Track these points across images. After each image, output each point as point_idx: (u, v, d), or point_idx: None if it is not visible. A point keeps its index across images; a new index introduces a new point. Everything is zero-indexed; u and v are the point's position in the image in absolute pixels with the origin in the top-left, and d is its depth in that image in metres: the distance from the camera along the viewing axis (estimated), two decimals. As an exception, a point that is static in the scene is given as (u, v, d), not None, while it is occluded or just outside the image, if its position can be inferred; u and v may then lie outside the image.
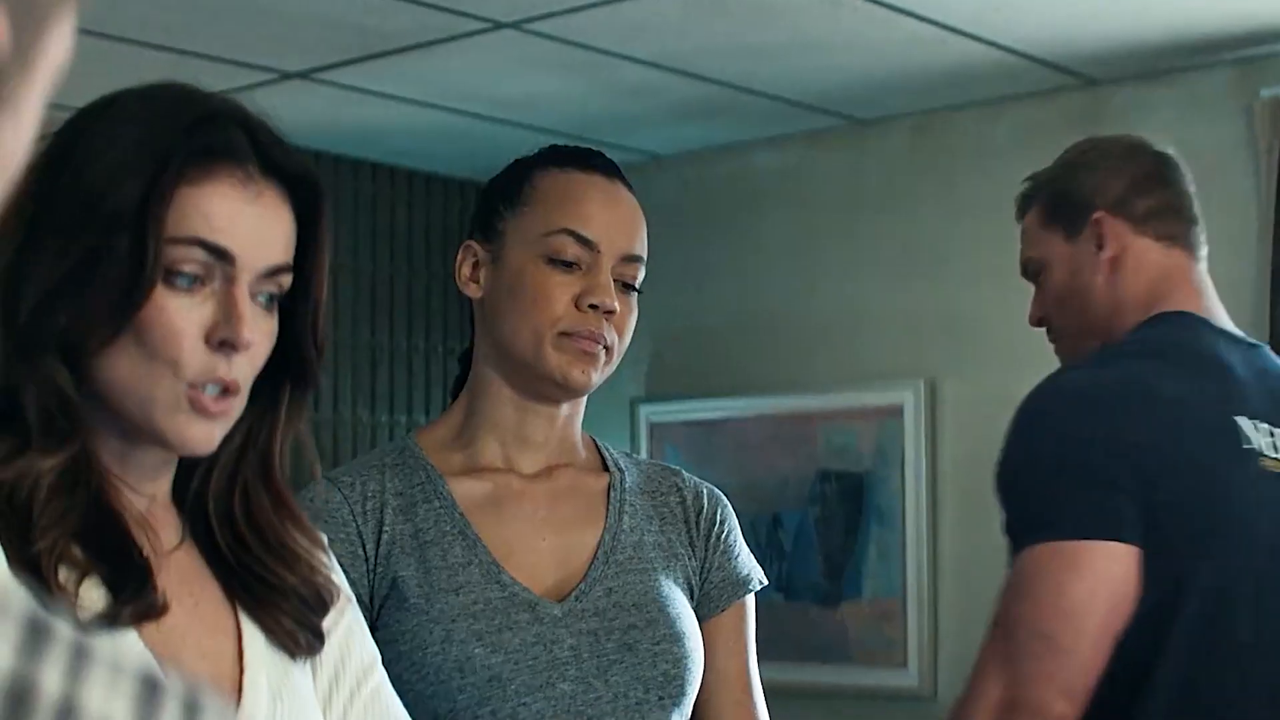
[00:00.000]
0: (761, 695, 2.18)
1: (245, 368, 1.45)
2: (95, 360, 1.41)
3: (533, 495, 2.10)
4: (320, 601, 1.55)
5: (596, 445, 2.22)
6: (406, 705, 1.93)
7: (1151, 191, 2.45)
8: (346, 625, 1.61)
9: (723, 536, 2.18)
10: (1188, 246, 2.45)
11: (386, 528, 2.03)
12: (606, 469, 2.18)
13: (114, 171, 1.39)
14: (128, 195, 1.38)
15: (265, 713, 1.47)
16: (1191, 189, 2.49)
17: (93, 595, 1.39)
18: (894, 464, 5.30)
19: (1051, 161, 2.59)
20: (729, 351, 5.75)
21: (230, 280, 1.42)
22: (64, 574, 1.37)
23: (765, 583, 2.23)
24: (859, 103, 5.26)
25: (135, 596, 1.40)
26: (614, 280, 2.05)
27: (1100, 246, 2.43)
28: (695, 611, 2.13)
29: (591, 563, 2.07)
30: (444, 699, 1.93)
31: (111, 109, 1.45)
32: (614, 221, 2.07)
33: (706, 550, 2.17)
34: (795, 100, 5.20)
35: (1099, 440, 2.23)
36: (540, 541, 2.07)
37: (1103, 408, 2.26)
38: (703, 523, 2.18)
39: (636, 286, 2.10)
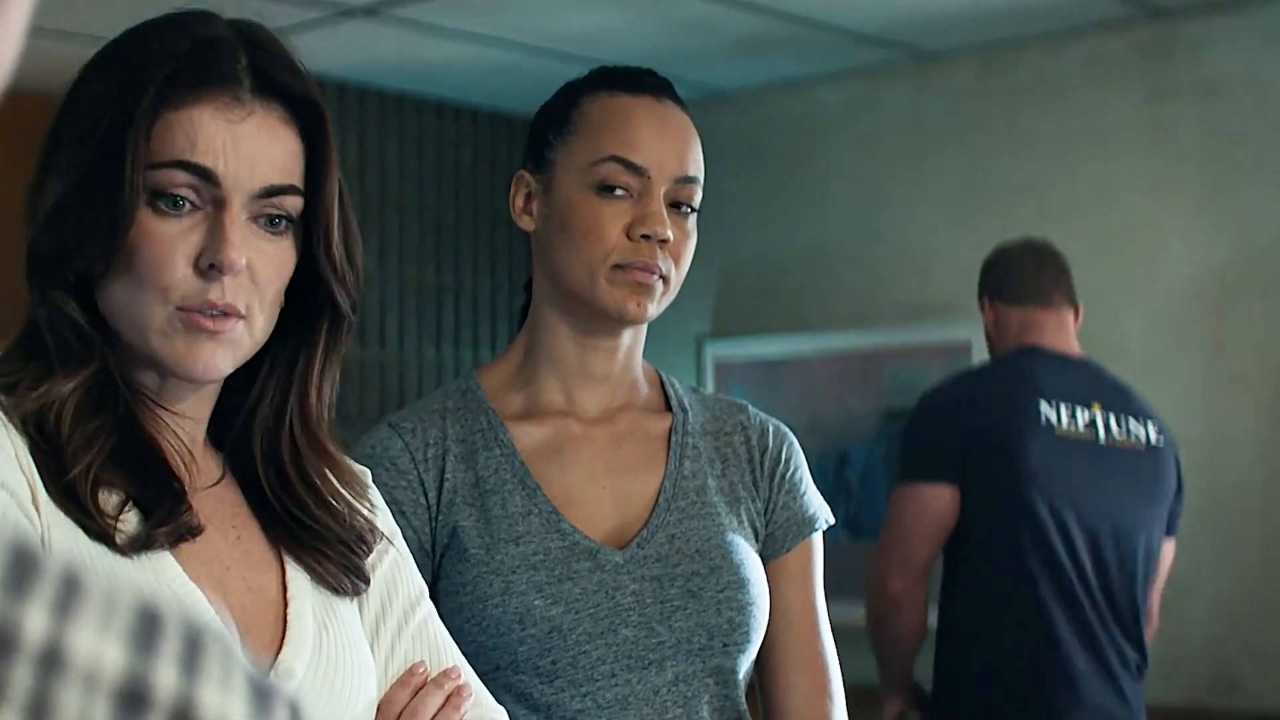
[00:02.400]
0: (829, 635, 2.14)
1: (245, 293, 1.43)
2: (100, 288, 1.43)
3: (593, 441, 2.07)
4: (362, 543, 1.56)
5: (662, 381, 2.18)
6: (467, 656, 1.93)
7: (1010, 272, 3.90)
8: (391, 560, 1.61)
9: (788, 475, 2.15)
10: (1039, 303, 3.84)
11: (448, 476, 2.01)
12: (669, 409, 2.14)
13: (104, 99, 1.40)
14: (113, 122, 1.39)
15: (311, 643, 1.47)
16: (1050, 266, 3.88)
17: (132, 520, 1.39)
18: (960, 401, 5.28)
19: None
20: (794, 288, 5.73)
21: (220, 204, 1.42)
22: (104, 499, 1.38)
23: (832, 522, 2.19)
24: (923, 36, 5.21)
25: (169, 518, 1.40)
26: (669, 204, 2.01)
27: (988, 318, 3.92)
28: (761, 551, 2.10)
29: (653, 509, 2.04)
30: (505, 651, 1.93)
31: (121, 40, 1.46)
32: (663, 144, 2.02)
33: (771, 489, 2.13)
34: (858, 34, 5.16)
35: (939, 423, 3.70)
36: (601, 489, 2.04)
37: (941, 398, 3.78)
38: (767, 461, 2.14)
39: (694, 207, 2.04)
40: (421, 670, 1.58)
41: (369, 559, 1.57)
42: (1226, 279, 4.85)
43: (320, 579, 1.51)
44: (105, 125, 1.39)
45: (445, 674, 1.59)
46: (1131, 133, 5.04)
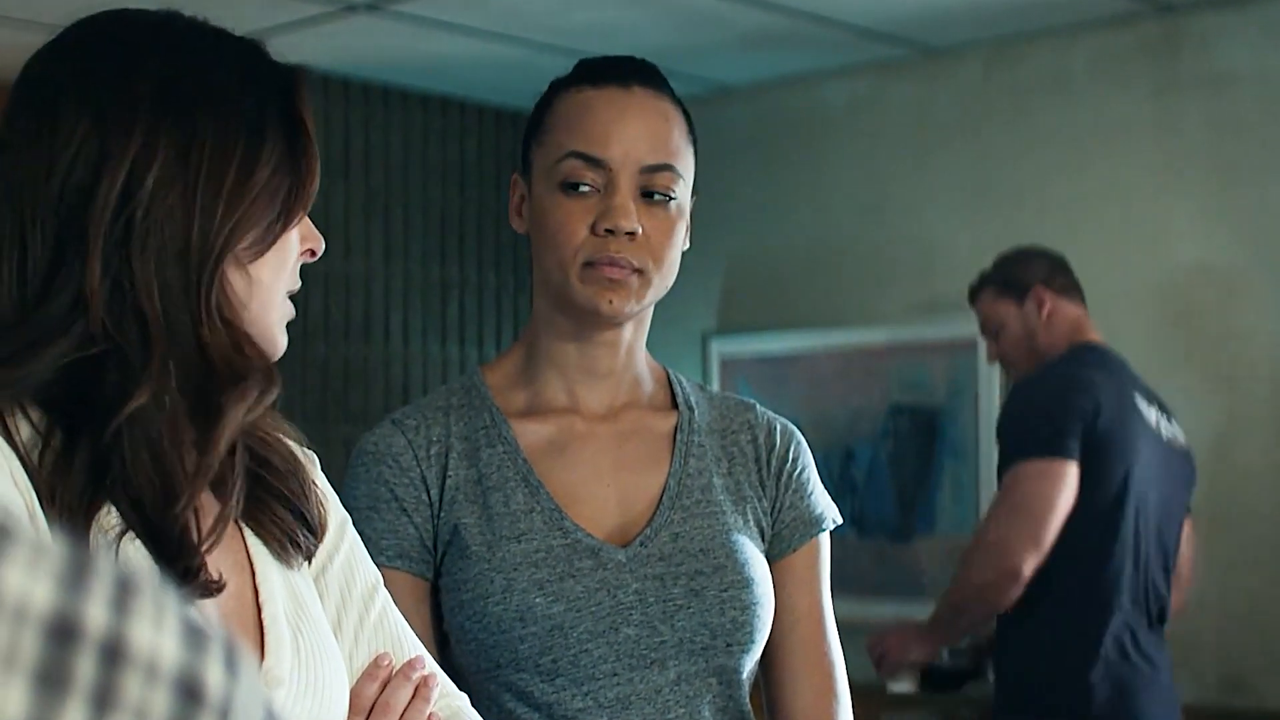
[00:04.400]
0: (835, 635, 2.12)
1: None
2: (230, 278, 1.41)
3: (596, 438, 2.05)
4: (307, 499, 1.53)
5: (669, 379, 2.15)
6: (469, 652, 1.93)
7: (1060, 270, 4.05)
8: (348, 548, 1.60)
9: (795, 474, 2.12)
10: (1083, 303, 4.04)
11: (450, 473, 1.99)
12: (675, 406, 2.11)
13: (251, 142, 1.40)
14: (274, 148, 1.41)
15: (290, 648, 1.45)
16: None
17: (137, 552, 1.36)
18: (967, 398, 5.26)
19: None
20: (800, 285, 5.72)
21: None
22: (105, 518, 1.34)
23: (839, 522, 2.16)
24: (930, 32, 5.20)
25: (184, 573, 1.37)
26: (643, 192, 1.97)
27: (1041, 305, 3.98)
28: (767, 551, 2.08)
29: (656, 507, 2.02)
30: (506, 648, 1.91)
31: (206, 46, 1.45)
32: (626, 133, 1.97)
33: (777, 489, 2.11)
34: (865, 29, 5.14)
35: (1058, 401, 3.76)
36: (604, 486, 2.02)
37: (1068, 382, 3.81)
38: (774, 461, 2.12)
39: (670, 195, 1.98)
40: (387, 662, 1.57)
41: (327, 542, 1.56)
42: (1235, 273, 4.83)
43: (276, 543, 1.49)
44: (270, 150, 1.41)
45: (410, 665, 1.58)
46: (1138, 128, 5.02)
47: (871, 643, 4.02)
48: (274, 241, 1.41)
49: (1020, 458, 3.74)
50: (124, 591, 0.56)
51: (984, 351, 5.21)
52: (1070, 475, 3.68)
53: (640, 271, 1.97)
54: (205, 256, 1.37)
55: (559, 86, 2.04)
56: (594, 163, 1.96)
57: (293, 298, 1.49)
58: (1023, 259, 4.08)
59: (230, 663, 0.59)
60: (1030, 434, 3.75)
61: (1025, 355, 4.01)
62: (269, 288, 1.43)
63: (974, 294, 4.16)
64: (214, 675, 0.57)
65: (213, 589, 1.38)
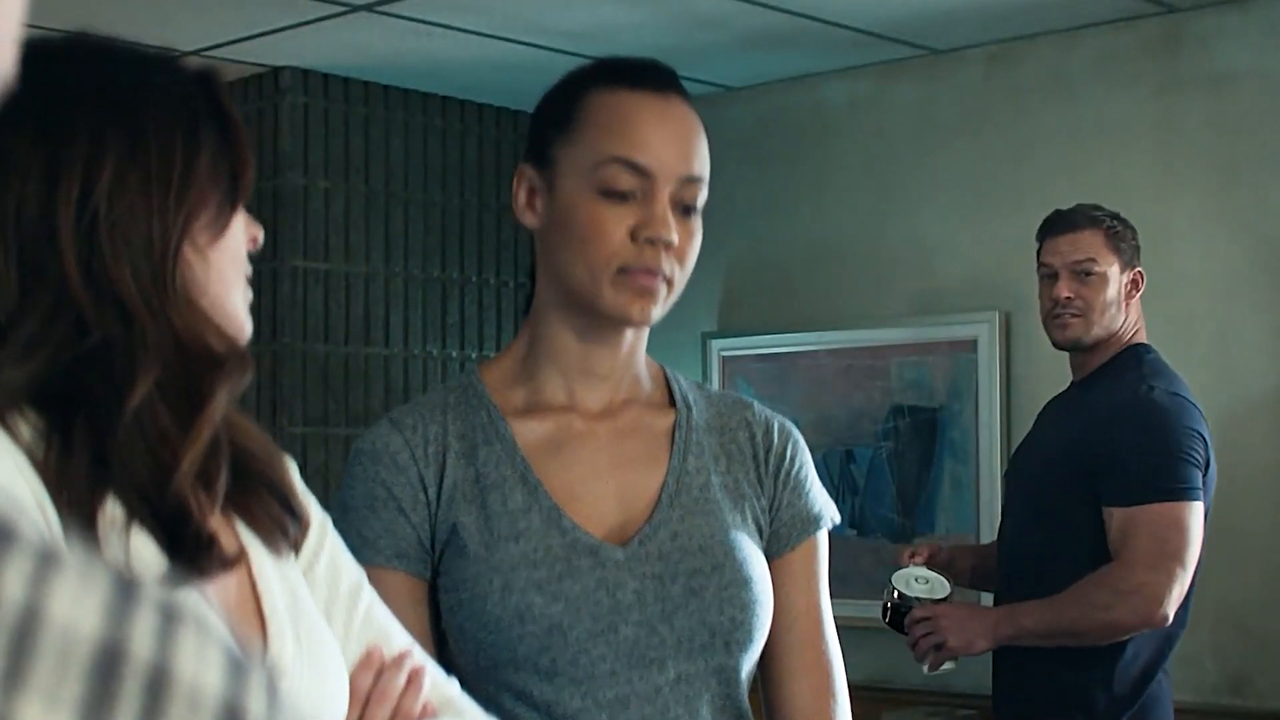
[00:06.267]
0: (834, 633, 2.12)
1: None
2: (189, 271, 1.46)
3: (595, 436, 2.04)
4: (291, 489, 1.56)
5: (666, 377, 2.14)
6: (467, 652, 1.93)
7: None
8: (331, 546, 1.62)
9: (793, 473, 2.12)
10: None
11: (448, 472, 1.99)
12: (673, 405, 2.11)
13: (189, 133, 1.46)
14: (210, 139, 1.46)
15: (291, 638, 1.47)
16: None
17: (148, 553, 1.37)
18: (968, 398, 5.26)
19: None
20: (801, 285, 5.71)
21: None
22: (111, 512, 1.36)
23: (838, 520, 2.16)
24: (933, 32, 5.19)
25: (195, 558, 1.39)
26: (673, 204, 1.95)
27: (1136, 288, 3.84)
28: (765, 550, 2.07)
29: (655, 506, 2.01)
30: (505, 648, 1.91)
31: (127, 56, 1.50)
32: (668, 144, 1.96)
33: (775, 487, 2.10)
34: (868, 30, 5.14)
35: (1199, 439, 3.64)
36: (602, 485, 2.01)
37: (1189, 414, 3.69)
38: (772, 459, 2.11)
39: (697, 207, 1.99)
40: (379, 654, 1.59)
41: (311, 540, 1.58)
42: (1236, 273, 4.83)
43: (266, 533, 1.51)
44: (204, 153, 1.46)
45: (400, 657, 1.61)
46: (1139, 128, 5.02)
47: (924, 626, 3.77)
48: (226, 224, 1.46)
49: (1156, 499, 3.59)
50: (168, 621, 0.57)
51: (984, 350, 5.22)
52: (1201, 518, 3.60)
53: (669, 280, 1.96)
54: (167, 243, 1.41)
55: (586, 83, 2.01)
56: (638, 170, 1.94)
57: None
58: (1129, 229, 3.85)
59: (270, 692, 0.60)
60: (1166, 474, 3.60)
61: (1104, 322, 3.79)
62: (226, 271, 1.47)
63: (1073, 223, 3.85)
64: (255, 704, 0.59)
65: (229, 561, 1.41)
